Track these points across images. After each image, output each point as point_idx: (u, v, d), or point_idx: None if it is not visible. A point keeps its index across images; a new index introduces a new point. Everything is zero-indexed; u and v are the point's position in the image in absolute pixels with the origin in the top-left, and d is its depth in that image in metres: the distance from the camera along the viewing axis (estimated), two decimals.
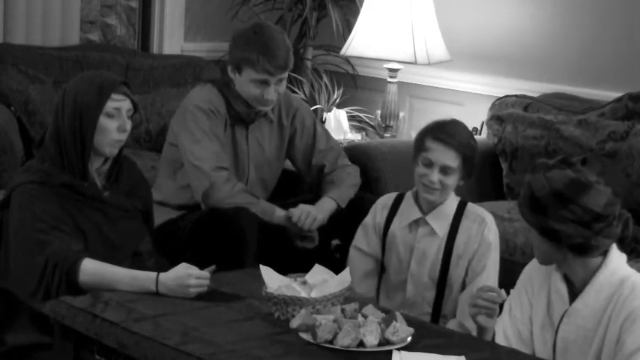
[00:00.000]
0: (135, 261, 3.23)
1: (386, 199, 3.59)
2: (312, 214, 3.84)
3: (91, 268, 3.03)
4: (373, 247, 3.55)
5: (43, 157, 3.20)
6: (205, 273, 3.03)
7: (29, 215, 3.09)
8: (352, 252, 3.60)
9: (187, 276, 3.01)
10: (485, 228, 3.44)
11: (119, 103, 3.17)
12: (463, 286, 3.45)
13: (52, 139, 3.18)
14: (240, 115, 3.93)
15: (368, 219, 3.59)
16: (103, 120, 3.15)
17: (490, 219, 3.48)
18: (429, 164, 3.38)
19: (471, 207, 3.49)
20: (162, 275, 3.02)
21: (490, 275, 3.42)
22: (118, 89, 3.18)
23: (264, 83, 3.82)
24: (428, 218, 3.46)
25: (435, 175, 3.37)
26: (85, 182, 3.19)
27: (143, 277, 3.04)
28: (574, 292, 2.88)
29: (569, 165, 2.80)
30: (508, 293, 3.04)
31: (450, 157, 3.37)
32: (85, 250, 3.08)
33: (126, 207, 3.28)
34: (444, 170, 3.38)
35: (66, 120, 3.15)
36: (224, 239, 3.63)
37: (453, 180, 3.40)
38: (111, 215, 3.23)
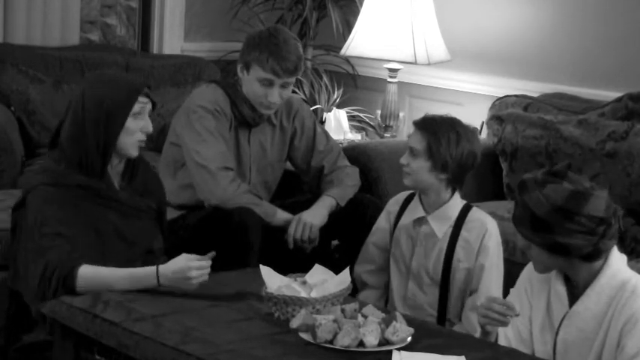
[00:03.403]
0: (147, 259, 3.24)
1: (400, 195, 3.61)
2: (307, 224, 3.85)
3: (88, 274, 3.03)
4: (385, 237, 3.58)
5: (58, 158, 3.21)
6: (205, 263, 3.04)
7: (39, 219, 3.11)
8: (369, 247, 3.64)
9: (188, 268, 3.01)
10: (485, 234, 3.43)
11: (144, 105, 3.22)
12: (463, 291, 3.46)
13: (72, 141, 3.19)
14: (245, 118, 3.93)
15: (382, 212, 3.64)
16: (129, 121, 3.19)
17: (493, 225, 3.46)
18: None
19: (475, 212, 3.48)
20: (161, 267, 3.03)
21: (492, 284, 3.41)
22: (143, 92, 3.22)
23: (269, 84, 3.83)
24: (429, 218, 3.47)
25: (404, 157, 3.41)
26: (102, 183, 3.20)
27: (143, 274, 3.04)
28: (573, 295, 2.88)
29: (560, 176, 2.78)
30: (508, 293, 3.04)
31: (415, 139, 3.41)
32: (83, 257, 3.07)
33: (140, 206, 3.30)
34: (412, 152, 3.40)
35: (88, 123, 3.16)
36: (228, 239, 3.63)
37: (417, 164, 3.39)
38: (126, 213, 3.25)
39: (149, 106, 3.25)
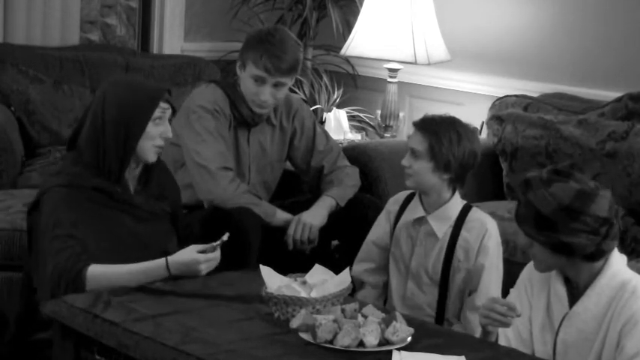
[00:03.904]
0: None
1: (400, 194, 3.61)
2: (307, 225, 3.85)
3: (97, 274, 3.04)
4: (385, 236, 3.57)
5: (75, 160, 3.22)
6: (212, 255, 3.06)
7: (52, 221, 3.12)
8: (366, 245, 3.63)
9: (196, 262, 3.05)
10: (485, 234, 3.43)
11: (165, 111, 3.24)
12: (463, 291, 3.46)
13: (90, 143, 3.20)
14: (244, 118, 3.94)
15: (382, 212, 3.63)
16: (149, 127, 3.21)
17: (492, 226, 3.46)
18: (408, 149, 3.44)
19: (475, 212, 3.48)
20: (170, 259, 3.05)
21: (491, 284, 3.41)
22: (165, 97, 3.24)
23: (262, 82, 3.83)
24: (429, 218, 3.47)
25: (406, 159, 3.41)
26: (118, 186, 3.21)
27: (153, 267, 3.06)
28: (573, 295, 2.88)
29: (565, 175, 2.78)
30: (508, 293, 3.04)
31: (416, 140, 3.40)
32: (92, 258, 3.08)
33: (155, 210, 3.31)
34: (413, 153, 3.39)
35: (108, 126, 3.17)
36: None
37: (420, 165, 3.39)
38: (140, 217, 3.27)
39: (169, 111, 3.27)
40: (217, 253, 3.08)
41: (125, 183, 3.25)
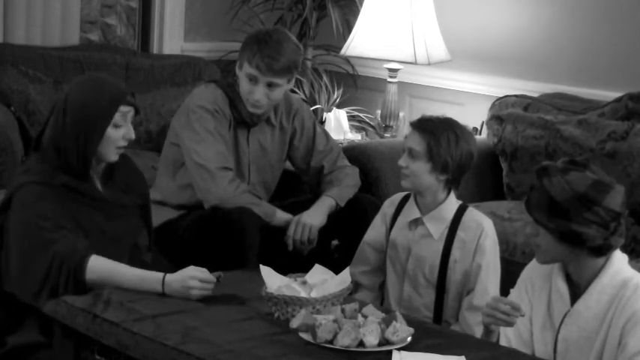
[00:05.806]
0: (132, 254, 3.24)
1: (396, 196, 3.60)
2: (307, 226, 3.85)
3: (98, 267, 3.03)
4: (380, 238, 3.57)
5: (41, 158, 3.20)
6: (212, 277, 3.02)
7: (34, 215, 3.08)
8: (362, 246, 3.62)
9: (191, 279, 3.00)
10: (481, 234, 3.42)
11: (126, 114, 3.19)
12: (460, 291, 3.46)
13: (53, 145, 3.17)
14: (244, 118, 3.93)
15: (378, 214, 3.62)
16: (109, 131, 3.16)
17: (488, 225, 3.45)
18: (405, 149, 3.42)
19: (470, 212, 3.47)
20: (168, 276, 3.02)
21: (489, 283, 3.40)
22: (126, 100, 3.19)
23: (255, 81, 3.83)
24: (425, 219, 3.46)
25: (403, 159, 3.40)
26: (86, 183, 3.19)
27: (151, 279, 3.04)
28: (575, 293, 2.88)
29: (582, 166, 2.78)
30: (508, 293, 3.04)
31: (414, 140, 3.39)
32: (91, 248, 3.07)
33: (124, 203, 3.28)
34: (411, 153, 3.39)
35: (69, 127, 3.14)
36: (227, 239, 3.63)
37: (417, 166, 3.38)
38: (110, 212, 3.23)
39: (131, 113, 3.20)
40: (213, 279, 3.02)
41: (91, 179, 3.23)
